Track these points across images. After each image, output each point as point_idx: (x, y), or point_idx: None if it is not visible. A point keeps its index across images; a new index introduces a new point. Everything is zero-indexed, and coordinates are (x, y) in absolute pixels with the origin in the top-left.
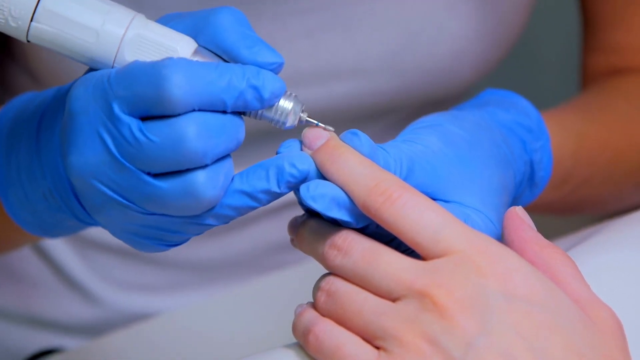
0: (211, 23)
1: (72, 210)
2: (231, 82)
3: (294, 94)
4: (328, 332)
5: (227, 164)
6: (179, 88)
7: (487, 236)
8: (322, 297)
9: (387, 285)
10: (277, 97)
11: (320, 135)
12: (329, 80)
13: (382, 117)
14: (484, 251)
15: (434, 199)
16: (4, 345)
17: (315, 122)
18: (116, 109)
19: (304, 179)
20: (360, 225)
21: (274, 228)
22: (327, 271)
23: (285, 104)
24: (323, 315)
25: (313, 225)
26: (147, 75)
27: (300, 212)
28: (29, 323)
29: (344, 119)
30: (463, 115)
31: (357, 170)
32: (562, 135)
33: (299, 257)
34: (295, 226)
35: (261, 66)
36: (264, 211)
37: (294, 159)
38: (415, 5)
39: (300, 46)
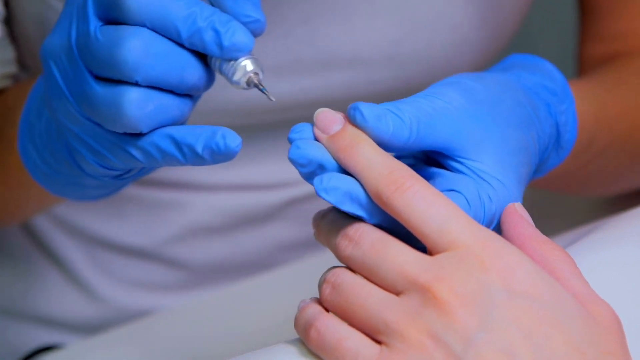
0: None
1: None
2: (192, 15)
3: (256, 57)
4: (330, 326)
5: (164, 98)
6: None
7: (492, 232)
8: (327, 290)
9: (392, 278)
10: (240, 50)
11: (335, 120)
12: (327, 69)
13: None
14: (487, 246)
15: (452, 156)
16: (6, 340)
17: (263, 87)
18: (89, 3)
19: (229, 155)
20: (373, 221)
21: (281, 228)
22: (333, 265)
23: (244, 62)
24: (327, 307)
25: (331, 217)
26: None
27: (303, 211)
28: (32, 319)
29: (342, 108)
30: (487, 75)
31: (372, 159)
32: (584, 101)
33: (306, 256)
34: (317, 219)
35: (238, 17)
36: (270, 210)
37: (228, 133)
38: None
39: (299, 34)
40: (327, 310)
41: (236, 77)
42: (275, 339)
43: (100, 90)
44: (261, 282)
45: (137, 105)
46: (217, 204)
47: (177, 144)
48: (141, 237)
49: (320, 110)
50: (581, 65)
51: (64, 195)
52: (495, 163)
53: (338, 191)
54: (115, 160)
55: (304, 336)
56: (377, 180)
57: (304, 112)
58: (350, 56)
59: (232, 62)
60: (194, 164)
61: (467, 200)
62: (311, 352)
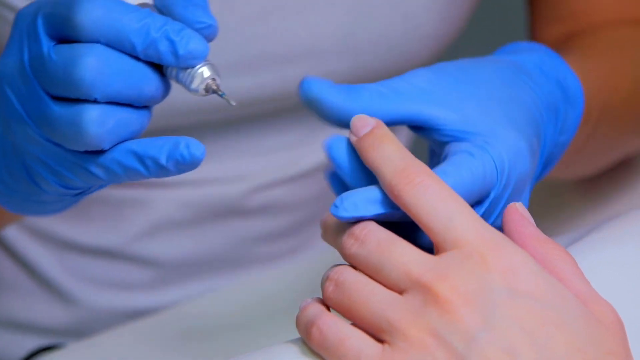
0: None
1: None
2: (145, 27)
3: (212, 62)
4: (332, 325)
5: (123, 113)
6: (87, 15)
7: (497, 230)
8: (330, 287)
9: (396, 276)
10: (196, 58)
11: (367, 123)
12: (284, 63)
13: None
14: (491, 245)
15: (434, 128)
16: None
17: (222, 92)
18: (39, 23)
19: (194, 164)
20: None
21: (247, 221)
22: (336, 263)
23: (201, 69)
24: (330, 305)
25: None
26: None
27: (267, 202)
28: (12, 328)
29: (297, 104)
30: (464, 60)
31: (393, 155)
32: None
33: (279, 250)
34: (324, 219)
35: (190, 24)
36: (234, 203)
37: (191, 142)
38: None
39: (252, 30)
40: (328, 308)
41: (194, 85)
42: (275, 339)
43: (59, 111)
44: (261, 282)
45: (98, 122)
46: (181, 199)
47: (140, 157)
48: (108, 237)
49: (356, 116)
50: None
51: (23, 213)
52: (479, 115)
53: (357, 205)
54: (76, 180)
55: (305, 335)
56: (391, 174)
57: (263, 107)
58: (306, 49)
59: (188, 70)
60: (157, 176)
61: (468, 154)
62: (312, 352)
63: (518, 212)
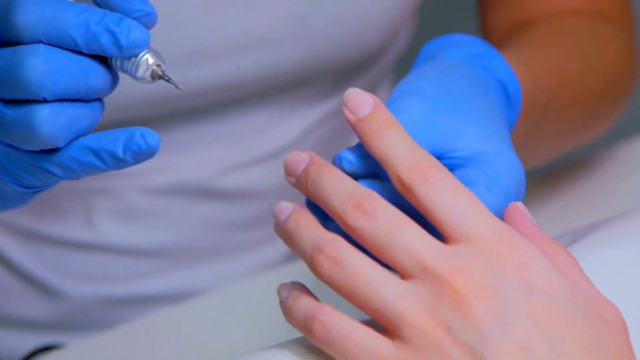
0: None
1: None
2: (84, 22)
3: (155, 49)
4: (336, 319)
5: (74, 109)
6: (24, 16)
7: (510, 226)
8: (325, 264)
9: (406, 260)
10: (139, 47)
11: (365, 102)
12: (236, 53)
13: (295, 88)
14: (505, 240)
15: (442, 157)
16: None
17: (168, 77)
18: None
19: (151, 153)
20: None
21: (220, 208)
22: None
23: (144, 56)
24: (326, 283)
25: (338, 177)
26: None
27: (233, 185)
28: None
29: (255, 92)
30: (418, 71)
31: (399, 145)
32: (513, 62)
33: (261, 237)
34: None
35: (129, 13)
36: (201, 187)
37: (146, 132)
38: None
39: (202, 20)
40: (314, 297)
41: (140, 73)
42: (274, 340)
43: (9, 113)
44: (261, 282)
45: (49, 121)
46: (148, 187)
47: (96, 152)
48: (80, 229)
49: (350, 90)
50: (487, 36)
51: None
52: (480, 139)
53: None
54: (33, 180)
55: (304, 329)
56: (400, 167)
57: (218, 97)
58: (258, 37)
59: (132, 59)
60: (115, 168)
61: (486, 188)
62: (309, 353)
63: (519, 212)
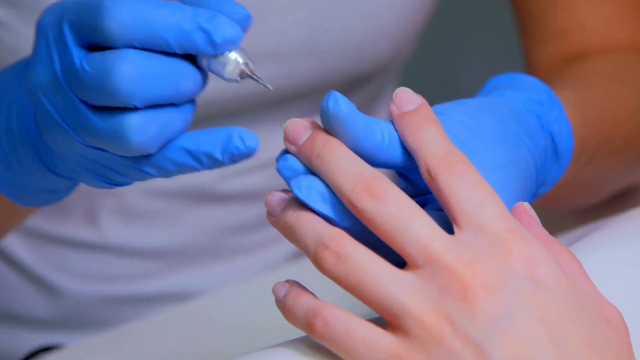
0: None
1: (34, 144)
2: (177, 21)
3: (243, 47)
4: (338, 315)
5: (166, 114)
6: (115, 21)
7: (522, 225)
8: (330, 259)
9: (414, 248)
10: (232, 43)
11: (411, 100)
12: None
13: (303, 99)
14: (516, 235)
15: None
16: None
17: (257, 77)
18: (66, 32)
19: (249, 155)
20: (343, 225)
21: (222, 211)
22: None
23: (232, 54)
24: (331, 278)
25: (345, 155)
26: (93, 3)
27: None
28: (8, 322)
29: (267, 103)
30: (466, 101)
31: (435, 139)
32: (568, 105)
33: (263, 239)
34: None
35: (226, 14)
36: (205, 194)
37: (244, 133)
38: None
39: None
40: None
41: (228, 71)
42: (274, 340)
43: (99, 121)
44: (261, 282)
45: (140, 130)
46: (151, 188)
47: (193, 154)
48: (84, 228)
49: (401, 88)
50: (531, 70)
51: (33, 204)
52: None
53: (312, 190)
54: (127, 179)
55: (305, 327)
56: (431, 157)
57: (225, 106)
58: (268, 52)
59: (219, 58)
60: (210, 168)
61: None
62: (311, 352)
63: (526, 212)
